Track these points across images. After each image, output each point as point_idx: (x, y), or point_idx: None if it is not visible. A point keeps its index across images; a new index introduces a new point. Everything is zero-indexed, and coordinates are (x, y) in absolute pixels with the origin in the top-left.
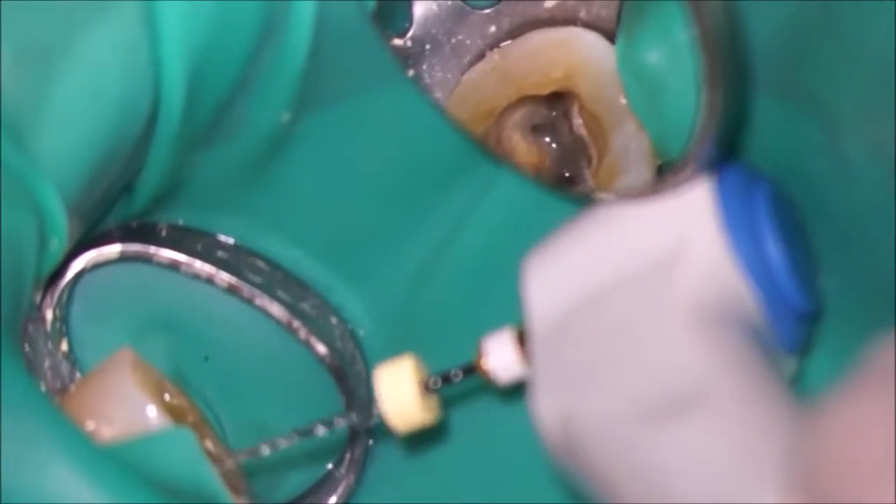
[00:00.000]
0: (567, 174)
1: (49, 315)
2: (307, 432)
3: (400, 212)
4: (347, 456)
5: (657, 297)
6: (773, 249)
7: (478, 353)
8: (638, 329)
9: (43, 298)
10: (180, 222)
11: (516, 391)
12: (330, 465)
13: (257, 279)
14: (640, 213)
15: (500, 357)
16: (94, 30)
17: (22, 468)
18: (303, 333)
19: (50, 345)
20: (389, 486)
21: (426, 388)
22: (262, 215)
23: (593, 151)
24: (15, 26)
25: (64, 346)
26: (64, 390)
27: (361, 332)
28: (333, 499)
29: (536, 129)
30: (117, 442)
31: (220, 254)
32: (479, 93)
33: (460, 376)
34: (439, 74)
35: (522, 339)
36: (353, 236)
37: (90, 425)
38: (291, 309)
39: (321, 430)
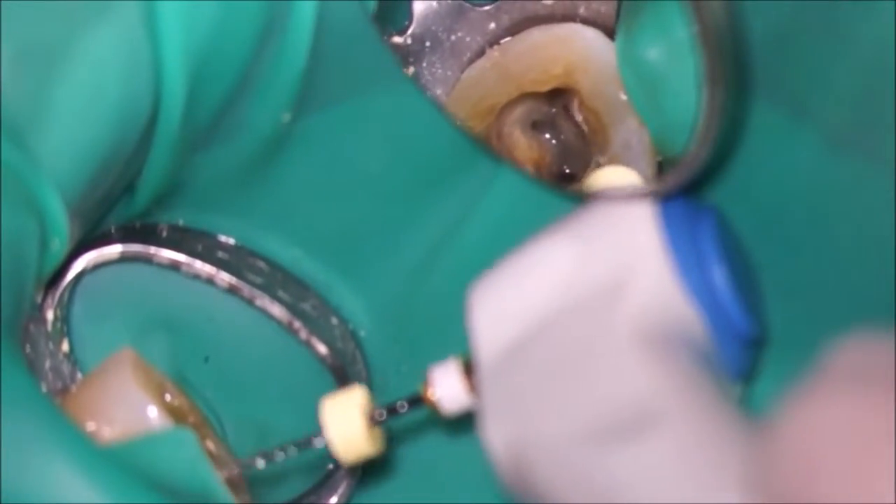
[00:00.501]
0: (567, 170)
1: (50, 315)
2: (305, 444)
3: (400, 211)
4: None
5: (605, 322)
6: (719, 275)
7: (424, 384)
8: (587, 354)
9: (44, 299)
10: (181, 223)
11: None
12: (331, 466)
13: (258, 279)
14: (585, 240)
15: (447, 388)
16: (94, 30)
17: (22, 469)
18: (303, 334)
19: (51, 345)
20: (390, 486)
21: (372, 420)
22: (262, 215)
23: (594, 148)
24: (15, 26)
25: (65, 347)
26: (65, 391)
27: (362, 333)
28: (334, 499)
29: (536, 126)
30: (118, 442)
31: (220, 254)
32: (479, 90)
33: (406, 408)
34: (439, 71)
35: (469, 369)
36: (354, 236)
37: (91, 426)
38: (292, 309)
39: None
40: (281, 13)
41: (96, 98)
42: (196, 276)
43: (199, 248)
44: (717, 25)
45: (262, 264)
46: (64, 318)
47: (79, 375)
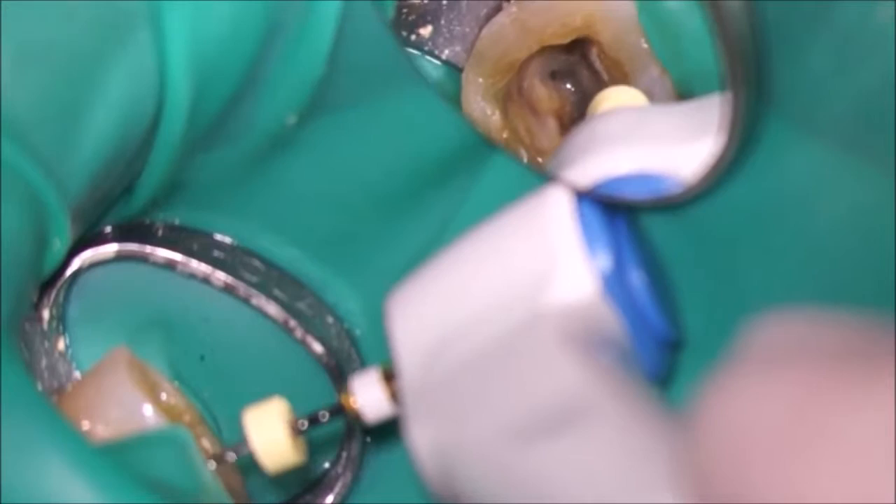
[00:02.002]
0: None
1: (46, 314)
2: (238, 451)
3: (396, 211)
4: (344, 455)
5: (527, 322)
6: (636, 277)
7: (345, 393)
8: (509, 354)
9: (40, 298)
10: (177, 222)
11: None
12: (327, 464)
13: (253, 278)
14: (505, 242)
15: (368, 396)
16: (99, 31)
17: (18, 468)
18: (299, 333)
19: (47, 344)
20: (387, 484)
21: (294, 430)
22: (258, 215)
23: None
24: (17, 26)
25: (61, 346)
26: (61, 390)
27: (357, 332)
28: (330, 498)
29: (556, 76)
30: (113, 441)
31: (216, 253)
32: (499, 46)
33: (327, 417)
34: (457, 28)
35: (389, 377)
36: (350, 236)
37: (86, 424)
38: (288, 308)
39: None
40: (290, 16)
41: (99, 98)
42: (192, 276)
43: (195, 247)
44: (738, 28)
45: (257, 263)
46: (60, 317)
47: (75, 374)
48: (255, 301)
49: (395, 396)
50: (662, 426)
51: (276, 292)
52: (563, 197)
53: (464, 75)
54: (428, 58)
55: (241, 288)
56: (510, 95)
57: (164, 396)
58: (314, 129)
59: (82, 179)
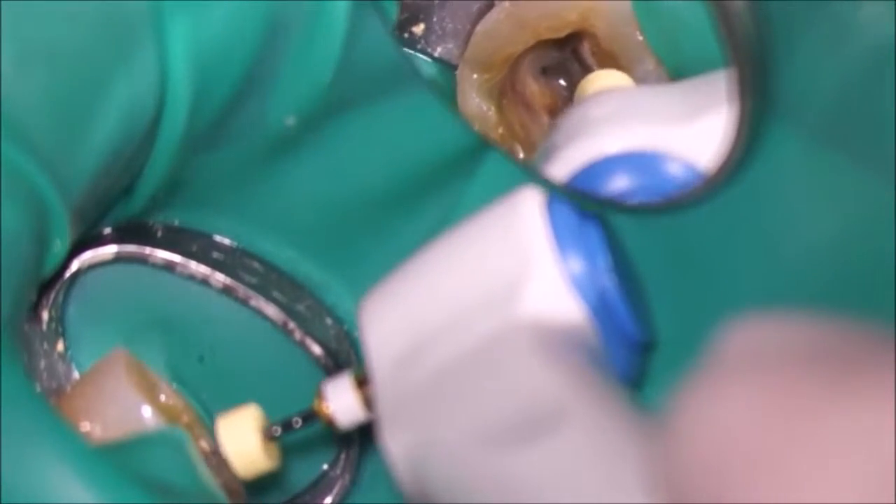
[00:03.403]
0: None
1: (45, 315)
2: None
3: (396, 214)
4: (343, 456)
5: (500, 326)
6: (609, 280)
7: (317, 399)
8: (483, 359)
9: (39, 299)
10: (176, 223)
11: None
12: (325, 466)
13: (252, 280)
14: (477, 245)
15: (341, 401)
16: (99, 30)
17: (17, 469)
18: (298, 334)
19: (46, 345)
20: (385, 486)
21: (268, 436)
22: (257, 216)
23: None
24: (18, 25)
25: (60, 347)
26: (60, 391)
27: (356, 334)
28: (329, 499)
29: (547, 72)
30: (112, 442)
31: (215, 255)
32: (494, 41)
33: (300, 423)
34: (450, 26)
35: (361, 382)
36: (349, 237)
37: (85, 426)
38: (287, 310)
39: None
40: (296, 18)
41: (101, 98)
42: (191, 277)
43: (195, 248)
44: (746, 34)
45: (256, 265)
46: (59, 319)
47: (73, 375)
48: (254, 302)
49: (367, 402)
50: (637, 430)
51: (276, 294)
52: (534, 200)
53: (459, 72)
54: (420, 56)
55: (241, 289)
56: (504, 91)
57: (162, 397)
58: (315, 131)
59: (83, 179)
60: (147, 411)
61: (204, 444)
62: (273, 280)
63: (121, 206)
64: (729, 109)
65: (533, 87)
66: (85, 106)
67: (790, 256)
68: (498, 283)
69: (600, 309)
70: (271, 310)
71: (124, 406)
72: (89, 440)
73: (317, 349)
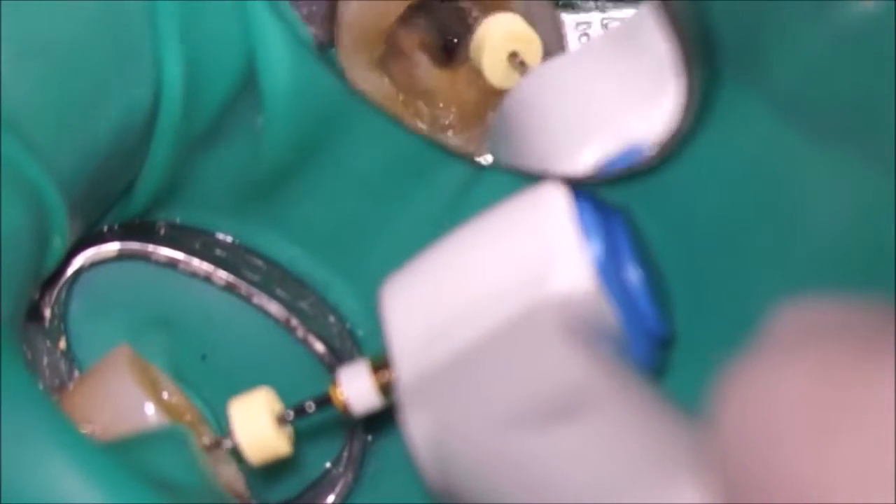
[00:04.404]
0: (454, 40)
1: (47, 313)
2: (214, 446)
3: (400, 211)
4: (345, 454)
5: (527, 313)
6: (633, 272)
7: (332, 384)
8: (507, 344)
9: (41, 296)
10: (178, 220)
11: None
12: (328, 464)
13: (255, 277)
14: (501, 233)
15: (356, 388)
16: (96, 27)
17: (19, 466)
18: (301, 332)
19: (48, 342)
20: (388, 484)
21: (281, 421)
22: (260, 214)
23: (475, 11)
24: (17, 23)
25: (62, 344)
26: (62, 388)
27: (360, 332)
28: (332, 497)
29: (409, 15)
30: (115, 440)
31: (218, 252)
32: (365, 19)
33: (314, 408)
34: (305, 10)
35: (377, 368)
36: (352, 235)
37: (88, 423)
38: (289, 307)
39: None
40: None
41: (98, 94)
42: (194, 274)
43: (197, 245)
44: (683, 11)
45: (259, 262)
46: (61, 316)
47: (76, 373)
48: (256, 300)
49: (383, 388)
50: (667, 416)
51: (278, 291)
52: (560, 191)
53: (341, 57)
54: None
55: (243, 287)
56: (387, 55)
57: (165, 395)
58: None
59: (82, 176)
60: (150, 409)
61: (206, 441)
62: (276, 277)
63: (122, 205)
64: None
65: (400, 34)
66: (83, 103)
67: (808, 243)
68: (523, 269)
69: (624, 302)
70: (274, 307)
71: (127, 403)
72: (92, 438)
73: (319, 347)
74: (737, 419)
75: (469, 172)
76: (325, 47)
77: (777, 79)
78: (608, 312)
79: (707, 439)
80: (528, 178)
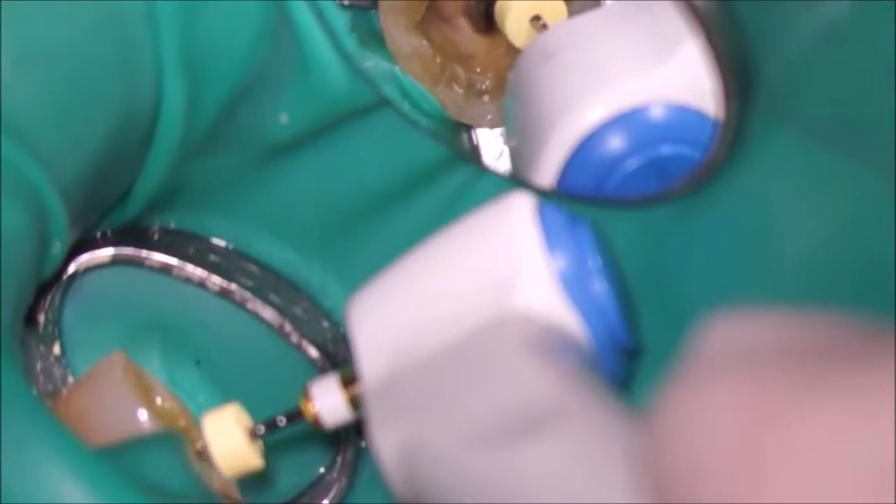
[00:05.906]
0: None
1: (41, 318)
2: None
3: (393, 216)
4: (339, 459)
5: (492, 327)
6: (599, 284)
7: (303, 398)
8: (472, 359)
9: (36, 302)
10: (172, 225)
11: None
12: (322, 469)
13: (249, 282)
14: (468, 247)
15: (327, 401)
16: (97, 31)
17: (14, 471)
18: (294, 337)
19: (42, 348)
20: (381, 489)
21: (252, 435)
22: (254, 218)
23: None
24: (19, 26)
25: (56, 350)
26: (56, 393)
27: None
28: (325, 501)
29: None
30: (108, 445)
31: (212, 257)
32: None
33: (285, 422)
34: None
35: (347, 382)
36: (346, 240)
37: (82, 429)
38: (283, 312)
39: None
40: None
41: (99, 99)
42: (187, 280)
43: (191, 251)
44: (727, 43)
45: (253, 267)
46: (55, 321)
47: (70, 378)
48: (250, 305)
49: (353, 402)
50: (627, 431)
51: (272, 297)
52: (525, 203)
53: (382, 21)
54: (333, 2)
55: (237, 292)
56: (428, 19)
57: (159, 401)
58: (312, 136)
59: (82, 180)
60: (143, 415)
61: (200, 447)
62: (270, 283)
63: (118, 210)
64: (691, 34)
65: (447, 5)
66: (83, 107)
67: (780, 254)
68: (488, 283)
69: (591, 313)
70: (268, 312)
71: (120, 409)
72: (86, 443)
73: (313, 352)
74: (668, 438)
75: (466, 178)
76: (367, 8)
77: (763, 78)
78: (574, 325)
79: (647, 458)
80: (525, 183)
